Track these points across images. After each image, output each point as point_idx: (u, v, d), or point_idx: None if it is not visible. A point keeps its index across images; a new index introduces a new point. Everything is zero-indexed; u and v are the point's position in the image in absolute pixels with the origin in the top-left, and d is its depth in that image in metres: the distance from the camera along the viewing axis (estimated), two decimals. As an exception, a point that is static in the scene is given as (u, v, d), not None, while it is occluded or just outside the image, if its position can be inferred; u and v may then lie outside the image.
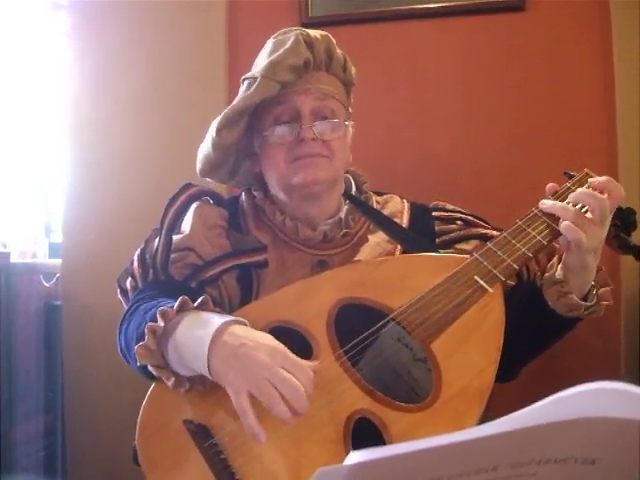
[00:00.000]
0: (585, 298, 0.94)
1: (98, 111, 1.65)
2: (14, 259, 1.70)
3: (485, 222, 1.13)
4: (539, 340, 1.01)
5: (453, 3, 1.55)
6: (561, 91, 1.50)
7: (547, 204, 0.92)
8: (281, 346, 0.79)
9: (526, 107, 1.51)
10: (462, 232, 1.09)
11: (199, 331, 0.82)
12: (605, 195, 0.89)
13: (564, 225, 0.88)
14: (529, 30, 1.52)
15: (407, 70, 1.57)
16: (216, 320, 0.82)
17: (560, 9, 1.50)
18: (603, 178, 0.92)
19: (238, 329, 0.82)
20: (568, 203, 0.91)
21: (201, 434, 0.82)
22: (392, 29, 1.58)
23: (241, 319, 0.85)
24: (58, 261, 1.69)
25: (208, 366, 0.79)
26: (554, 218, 0.92)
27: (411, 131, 1.56)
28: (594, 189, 0.91)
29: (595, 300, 0.94)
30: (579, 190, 0.91)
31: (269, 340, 0.80)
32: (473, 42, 1.55)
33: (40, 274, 1.78)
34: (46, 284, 1.77)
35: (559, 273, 0.93)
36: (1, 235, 1.86)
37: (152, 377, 0.86)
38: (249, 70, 1.07)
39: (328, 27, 1.11)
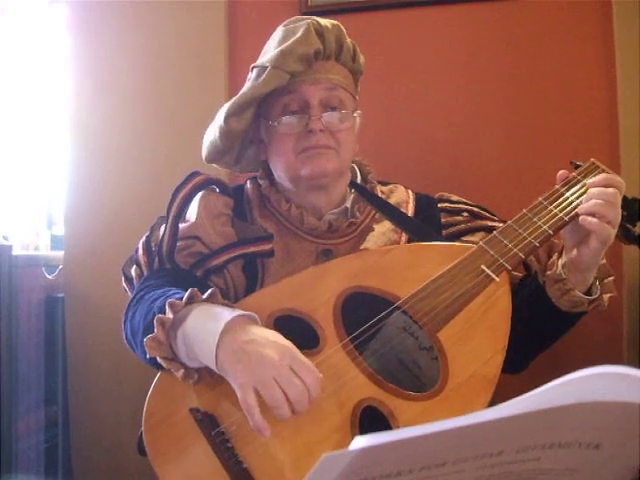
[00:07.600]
0: (589, 291, 0.94)
1: (98, 104, 1.65)
2: (16, 251, 1.69)
3: (491, 213, 1.12)
4: (547, 334, 1.02)
5: (452, -10, 1.54)
6: (563, 79, 1.49)
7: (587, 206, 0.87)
8: (290, 345, 0.78)
9: (527, 95, 1.51)
10: (468, 224, 1.09)
11: (209, 324, 0.81)
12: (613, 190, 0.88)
13: (595, 222, 0.86)
14: (529, 17, 1.51)
15: (406, 58, 1.57)
16: (226, 314, 0.82)
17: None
18: (604, 176, 0.91)
19: (248, 324, 0.81)
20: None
21: (207, 422, 0.82)
22: (390, 17, 1.57)
23: (251, 314, 0.84)
24: (60, 253, 1.69)
25: (215, 359, 0.79)
26: (561, 208, 0.91)
27: (411, 120, 1.56)
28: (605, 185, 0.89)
29: (598, 292, 0.94)
30: (592, 190, 0.88)
31: (279, 338, 0.79)
32: (474, 30, 1.54)
33: (42, 266, 1.78)
34: (48, 276, 1.76)
35: (560, 270, 0.93)
36: (3, 228, 1.85)
37: (159, 366, 0.86)
38: (250, 62, 1.06)
39: (328, 16, 1.09)
